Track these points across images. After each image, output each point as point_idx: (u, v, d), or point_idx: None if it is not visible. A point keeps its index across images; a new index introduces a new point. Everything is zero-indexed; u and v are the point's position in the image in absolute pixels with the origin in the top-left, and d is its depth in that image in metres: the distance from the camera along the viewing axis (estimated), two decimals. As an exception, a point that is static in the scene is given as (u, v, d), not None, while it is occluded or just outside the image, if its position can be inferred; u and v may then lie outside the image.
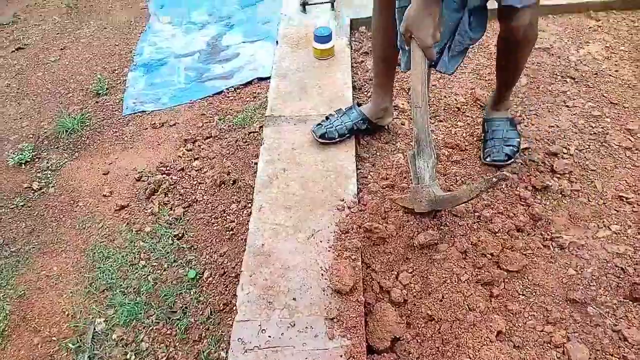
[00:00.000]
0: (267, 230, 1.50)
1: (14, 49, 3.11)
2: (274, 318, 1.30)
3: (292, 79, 2.03)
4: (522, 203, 1.63)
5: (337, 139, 1.79)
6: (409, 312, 1.39)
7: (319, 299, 1.32)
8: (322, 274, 1.37)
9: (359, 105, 1.88)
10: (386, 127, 1.95)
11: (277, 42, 2.28)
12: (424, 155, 1.37)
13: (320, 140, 1.79)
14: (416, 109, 1.35)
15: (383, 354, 1.30)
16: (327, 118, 1.85)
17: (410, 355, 1.30)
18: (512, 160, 1.73)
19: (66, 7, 3.48)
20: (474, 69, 2.22)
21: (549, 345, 1.32)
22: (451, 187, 1.70)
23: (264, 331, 1.27)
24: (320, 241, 1.45)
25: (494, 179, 1.33)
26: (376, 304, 1.37)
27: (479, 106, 2.02)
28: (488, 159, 1.73)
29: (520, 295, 1.43)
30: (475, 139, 1.89)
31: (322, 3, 2.39)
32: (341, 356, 1.21)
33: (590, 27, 2.39)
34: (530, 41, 1.54)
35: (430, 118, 1.87)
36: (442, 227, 1.54)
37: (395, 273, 1.46)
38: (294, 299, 1.33)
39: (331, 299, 1.32)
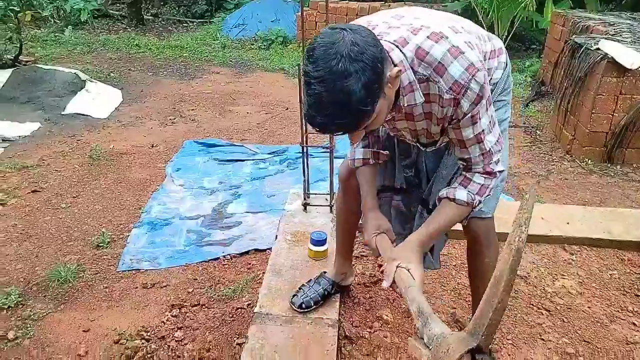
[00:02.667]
0: None
1: (30, 191, 3.29)
2: None
3: (284, 276, 2.16)
4: None
5: (313, 306, 1.98)
6: None
7: None
8: None
9: (324, 272, 2.12)
10: (350, 287, 2.21)
11: (276, 236, 2.46)
12: (432, 322, 1.27)
13: (299, 310, 1.96)
14: (409, 288, 1.32)
15: None
16: (300, 289, 2.04)
17: None
18: None
19: (89, 158, 3.76)
20: (455, 287, 2.32)
21: None
22: None
23: None
24: None
25: None
26: None
27: (459, 328, 2.06)
28: None
29: None
30: None
31: (321, 206, 2.64)
32: None
33: (564, 260, 2.55)
34: (489, 247, 1.68)
35: (411, 334, 1.98)
36: None
37: None
38: None
39: None
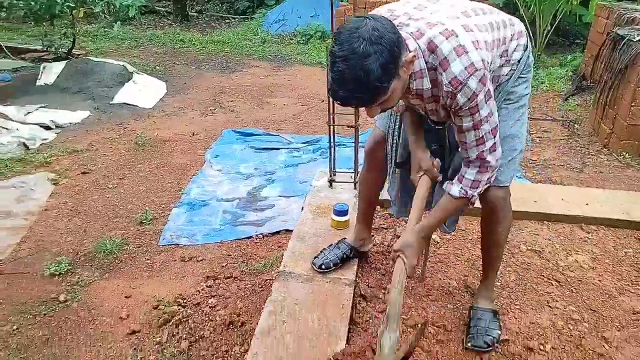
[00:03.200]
0: None
1: (80, 172, 3.52)
2: None
3: (308, 242, 2.31)
4: None
5: (332, 267, 2.12)
6: None
7: None
8: None
9: (344, 238, 2.25)
10: (368, 254, 2.33)
11: (302, 208, 2.58)
12: (389, 329, 1.50)
13: (319, 270, 2.10)
14: (393, 289, 1.53)
15: None
16: (321, 252, 2.18)
17: None
18: (491, 348, 1.84)
19: (135, 144, 3.98)
20: (469, 258, 2.40)
21: None
22: None
23: None
24: None
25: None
26: None
27: (469, 293, 2.16)
28: (469, 344, 1.86)
29: None
30: (461, 322, 1.99)
31: (346, 182, 2.75)
32: None
33: (580, 238, 2.57)
34: (504, 217, 1.80)
35: (423, 296, 2.08)
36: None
37: None
38: None
39: None
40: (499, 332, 1.89)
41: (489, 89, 1.41)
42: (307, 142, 4.10)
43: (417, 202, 1.68)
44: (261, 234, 2.78)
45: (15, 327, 2.12)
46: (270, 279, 2.28)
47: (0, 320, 2.16)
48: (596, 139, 4.10)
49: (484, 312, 1.94)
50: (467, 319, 1.98)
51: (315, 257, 2.16)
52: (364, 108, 1.35)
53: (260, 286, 2.25)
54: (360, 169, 2.28)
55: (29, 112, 4.49)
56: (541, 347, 1.89)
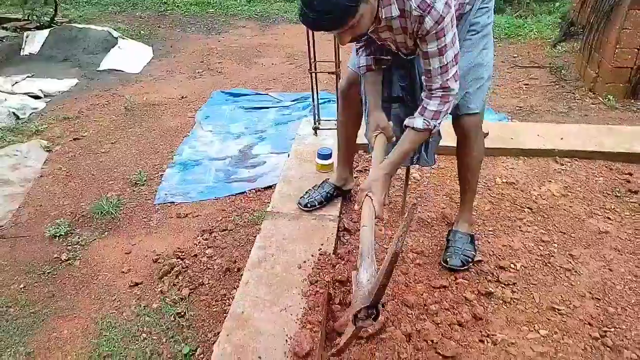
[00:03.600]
0: (249, 301, 1.75)
1: (72, 139, 3.56)
2: None
3: (294, 185, 2.44)
4: (467, 304, 1.86)
5: (318, 206, 2.25)
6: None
7: None
8: (286, 340, 1.59)
9: (327, 179, 2.37)
10: (352, 192, 2.41)
11: (288, 155, 2.66)
12: (364, 264, 1.57)
13: (305, 209, 2.23)
14: (363, 227, 1.60)
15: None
16: (306, 192, 2.31)
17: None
18: (466, 267, 2.00)
19: (124, 109, 4.00)
20: (448, 193, 2.54)
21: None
22: (408, 283, 1.96)
23: None
24: (291, 314, 1.69)
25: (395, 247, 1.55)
26: None
27: (446, 223, 2.30)
28: (446, 264, 2.01)
29: (449, 377, 1.59)
30: (438, 248, 2.15)
31: (330, 129, 2.82)
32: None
33: (554, 170, 2.70)
34: (477, 142, 1.93)
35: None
36: (391, 315, 1.80)
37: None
38: (259, 357, 1.54)
39: None
40: (474, 253, 2.05)
41: (453, 14, 1.47)
42: (296, 99, 4.12)
43: (376, 155, 1.74)
44: (254, 189, 2.85)
45: (22, 286, 2.21)
46: (263, 229, 2.37)
47: (8, 279, 2.25)
48: (582, 83, 4.14)
49: (461, 235, 2.09)
50: (443, 245, 2.12)
51: (300, 198, 2.29)
52: (335, 33, 1.42)
53: (253, 236, 2.31)
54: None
55: (16, 82, 4.47)
56: (512, 266, 2.05)
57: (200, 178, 3.02)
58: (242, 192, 2.83)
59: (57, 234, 2.51)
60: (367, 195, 1.63)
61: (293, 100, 4.10)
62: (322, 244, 2.03)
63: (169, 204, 2.75)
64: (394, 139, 1.78)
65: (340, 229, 2.21)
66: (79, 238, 2.50)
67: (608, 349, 1.69)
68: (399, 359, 1.64)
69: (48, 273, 2.28)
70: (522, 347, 1.71)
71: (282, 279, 1.85)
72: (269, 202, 2.64)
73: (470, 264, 2.02)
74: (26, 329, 1.97)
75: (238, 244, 2.32)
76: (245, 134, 3.59)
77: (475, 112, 1.85)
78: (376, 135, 1.77)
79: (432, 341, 1.69)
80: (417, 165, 2.07)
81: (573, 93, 4.00)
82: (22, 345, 1.90)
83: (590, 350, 1.69)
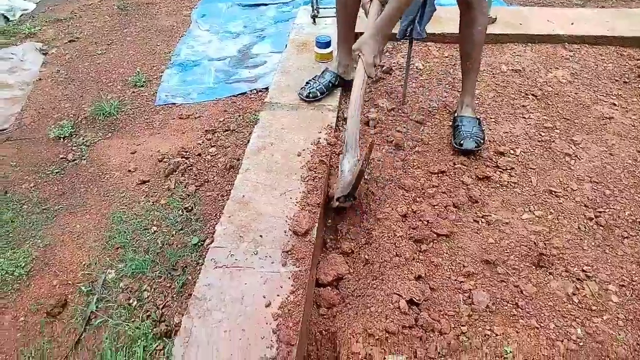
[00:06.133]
0: (249, 186, 1.79)
1: (67, 41, 3.46)
2: (242, 247, 1.57)
3: (292, 75, 2.38)
4: (464, 187, 1.91)
5: (320, 96, 2.19)
6: (353, 259, 1.69)
7: (280, 238, 1.60)
8: (286, 221, 1.65)
9: (327, 67, 2.29)
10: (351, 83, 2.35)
11: (285, 45, 2.57)
12: (348, 155, 1.63)
13: (306, 99, 2.19)
14: (350, 118, 1.61)
15: (327, 287, 1.59)
16: (307, 83, 2.24)
17: (348, 288, 1.61)
18: (479, 148, 2.01)
19: (118, 9, 3.84)
20: (450, 82, 2.49)
21: (458, 290, 1.60)
22: (407, 169, 2.01)
23: (232, 255, 1.55)
24: (291, 198, 1.74)
25: (363, 161, 1.59)
26: (329, 254, 1.70)
27: (447, 111, 2.29)
28: (460, 147, 2.01)
29: (444, 254, 1.70)
30: (438, 136, 2.17)
31: (329, 17, 2.70)
32: (289, 278, 1.48)
33: (562, 56, 2.64)
34: (480, 14, 1.86)
35: (406, 117, 2.21)
36: (389, 196, 1.86)
37: (347, 228, 1.78)
38: (260, 236, 1.61)
39: (290, 238, 1.59)
40: (484, 136, 2.05)
41: None
42: (296, -5, 3.93)
43: (370, 19, 1.71)
44: (255, 89, 2.81)
45: (32, 185, 2.27)
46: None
47: (18, 179, 2.30)
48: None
49: (469, 119, 2.07)
50: (443, 134, 2.14)
51: (301, 88, 2.24)
52: None
53: (256, 134, 2.35)
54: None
55: (1, -18, 4.25)
56: (512, 152, 2.08)
57: (200, 79, 2.97)
58: (243, 93, 2.79)
59: (62, 135, 2.53)
60: (358, 55, 1.61)
61: (293, -4, 3.91)
62: (320, 133, 2.03)
63: (170, 105, 2.74)
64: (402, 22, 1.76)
65: (339, 119, 2.21)
66: (83, 139, 2.52)
67: (601, 227, 1.77)
68: (394, 236, 1.71)
69: (56, 173, 2.33)
70: (515, 227, 1.78)
71: (282, 165, 1.88)
72: (270, 101, 2.64)
73: (482, 146, 2.02)
74: (40, 223, 2.06)
75: (241, 142, 2.34)
76: (244, 32, 3.47)
77: None
78: (371, 0, 1.73)
79: (427, 221, 1.77)
80: (414, 40, 2.03)
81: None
82: (38, 238, 1.99)
83: (583, 229, 1.77)
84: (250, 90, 2.81)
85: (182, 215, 2.01)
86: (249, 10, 3.76)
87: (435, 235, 1.72)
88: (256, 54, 3.20)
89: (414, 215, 1.80)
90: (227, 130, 2.47)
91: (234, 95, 2.79)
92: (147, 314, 1.64)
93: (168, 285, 1.73)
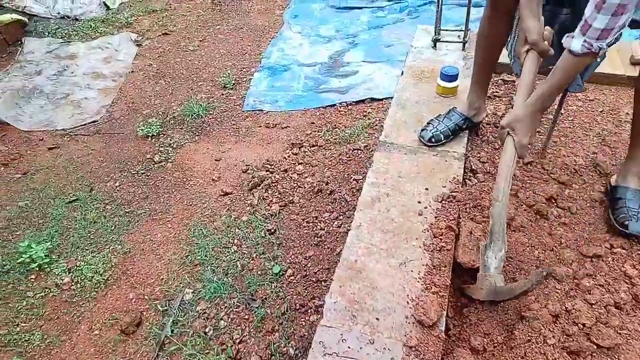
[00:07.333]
0: (362, 249, 1.55)
1: (160, 34, 3.48)
2: (355, 331, 1.34)
3: (410, 110, 2.05)
4: (627, 281, 1.52)
5: (443, 141, 1.84)
6: (487, 360, 1.37)
7: (400, 325, 1.34)
8: (407, 302, 1.39)
9: (455, 107, 1.93)
10: (480, 126, 2.03)
11: (402, 72, 2.30)
12: (494, 247, 1.37)
13: (428, 144, 1.85)
14: (495, 202, 1.38)
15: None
16: (429, 123, 1.90)
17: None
18: None
19: (211, 3, 3.82)
20: (600, 133, 2.08)
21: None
22: (554, 247, 1.64)
23: (344, 341, 1.32)
24: (412, 271, 1.47)
25: (544, 273, 1.34)
26: (454, 349, 1.37)
27: (598, 172, 1.89)
28: (625, 228, 1.62)
29: (606, 374, 1.35)
30: (587, 204, 1.78)
31: (454, 42, 2.38)
32: (414, 384, 1.22)
33: None
34: None
35: (544, 174, 1.87)
36: (539, 288, 1.50)
37: (477, 317, 1.45)
38: (377, 319, 1.36)
39: (412, 328, 1.33)
40: None
41: None
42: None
43: (524, 77, 1.42)
44: (345, 102, 2.67)
45: (117, 184, 2.26)
46: (357, 149, 2.23)
47: (104, 176, 2.31)
48: None
49: (635, 192, 1.65)
50: (594, 201, 1.75)
51: (422, 130, 1.89)
52: None
53: (347, 155, 2.21)
54: (471, 27, 1.98)
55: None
56: None
57: (288, 85, 2.87)
58: (332, 105, 2.67)
59: (150, 134, 2.52)
60: (508, 133, 1.36)
61: (389, 0, 3.72)
62: (444, 187, 1.73)
63: (257, 112, 2.66)
64: (552, 52, 1.41)
65: (466, 170, 1.87)
66: (170, 140, 2.49)
67: None
68: (544, 344, 1.36)
69: (142, 173, 2.31)
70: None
71: (399, 225, 1.61)
72: (362, 119, 2.50)
73: None
74: (122, 227, 2.04)
75: (329, 162, 2.21)
76: (336, 38, 3.34)
77: None
78: (526, 51, 1.42)
79: (583, 325, 1.41)
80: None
81: None
82: (119, 243, 1.97)
83: None
84: (340, 103, 2.68)
85: (264, 237, 1.91)
86: (342, 14, 3.62)
87: (595, 347, 1.35)
88: (347, 62, 3.06)
89: (567, 317, 1.42)
90: (314, 146, 2.36)
91: (322, 107, 2.67)
92: (223, 347, 1.55)
93: (246, 317, 1.64)
